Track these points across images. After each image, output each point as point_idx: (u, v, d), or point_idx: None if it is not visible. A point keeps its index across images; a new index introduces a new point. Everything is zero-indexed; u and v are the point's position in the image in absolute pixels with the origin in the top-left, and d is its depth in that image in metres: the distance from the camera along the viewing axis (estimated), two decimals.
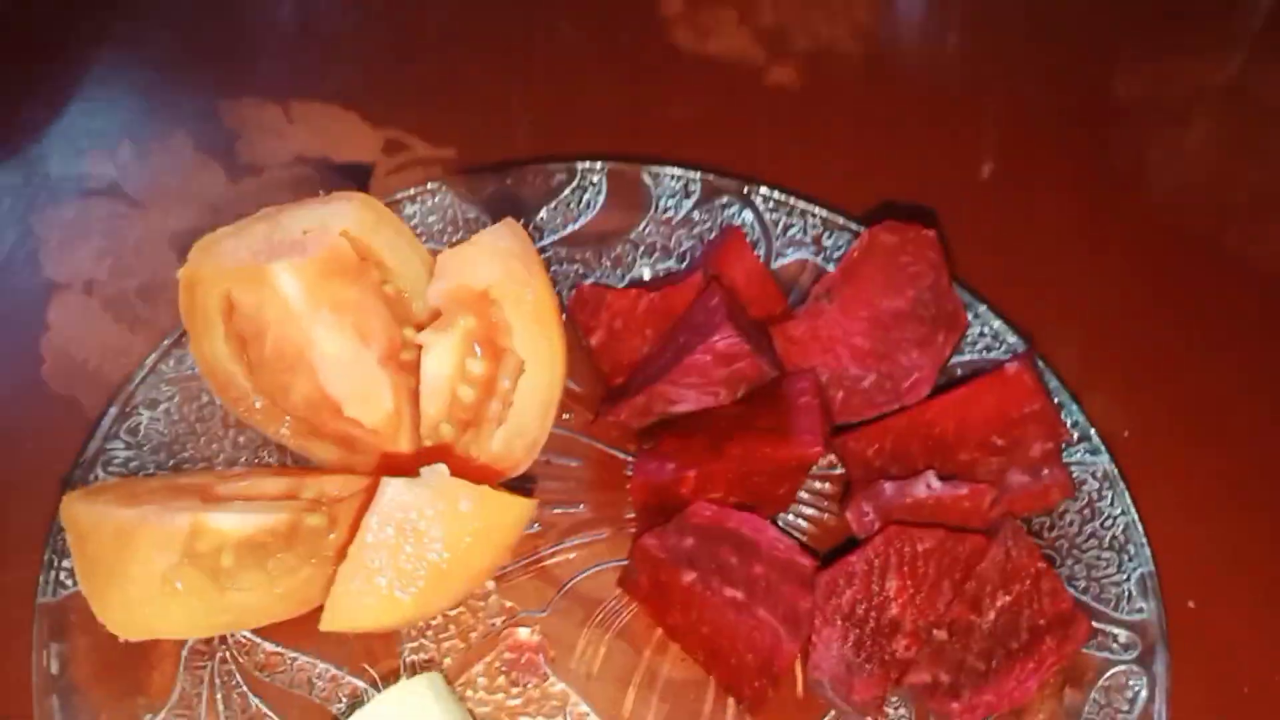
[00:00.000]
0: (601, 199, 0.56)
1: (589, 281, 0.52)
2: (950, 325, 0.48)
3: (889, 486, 0.45)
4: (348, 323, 0.44)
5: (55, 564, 0.42)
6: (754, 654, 0.42)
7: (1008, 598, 0.42)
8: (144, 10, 0.68)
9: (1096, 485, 0.47)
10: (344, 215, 0.43)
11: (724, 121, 0.65)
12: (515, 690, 0.43)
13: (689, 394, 0.46)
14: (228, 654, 0.43)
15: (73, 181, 0.59)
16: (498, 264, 0.41)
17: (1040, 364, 0.49)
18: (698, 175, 0.56)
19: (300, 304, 0.43)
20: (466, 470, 0.42)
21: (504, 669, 0.44)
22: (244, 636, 0.43)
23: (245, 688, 0.42)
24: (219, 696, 0.42)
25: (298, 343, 0.44)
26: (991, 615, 0.42)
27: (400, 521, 0.38)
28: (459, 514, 0.38)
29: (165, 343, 0.48)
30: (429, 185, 0.53)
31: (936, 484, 0.44)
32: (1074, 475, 0.47)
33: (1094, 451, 0.48)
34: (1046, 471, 0.45)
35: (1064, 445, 0.47)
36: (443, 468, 0.38)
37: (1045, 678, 0.42)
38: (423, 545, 0.37)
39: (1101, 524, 0.46)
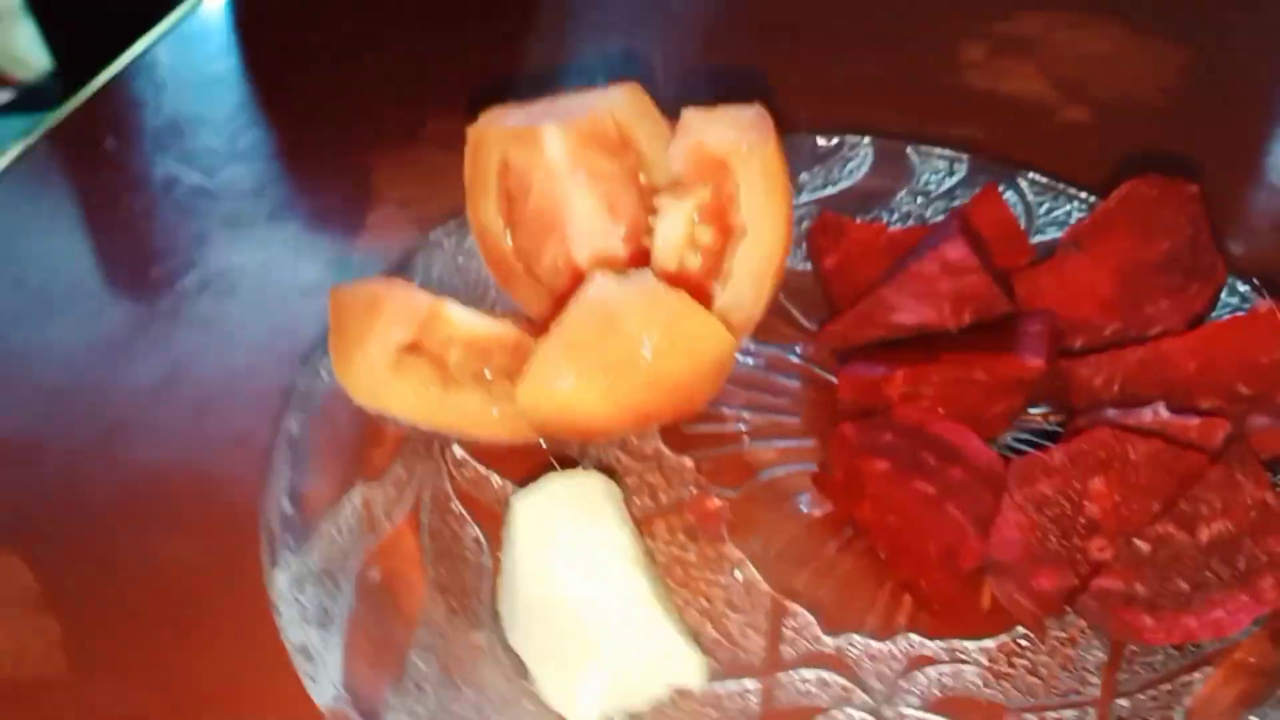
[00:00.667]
0: (864, 169, 0.57)
1: None
2: (1206, 277, 0.46)
3: (1113, 412, 0.42)
4: (600, 192, 0.48)
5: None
6: (937, 548, 0.41)
7: (1229, 524, 0.39)
8: None
9: None
10: (614, 99, 0.48)
11: (1008, 145, 0.65)
12: (692, 545, 0.44)
13: (910, 302, 0.46)
14: (442, 457, 0.46)
15: None
16: (734, 129, 0.44)
17: None
18: (965, 156, 0.57)
19: (561, 163, 0.47)
20: None
21: (684, 528, 0.44)
22: (459, 454, 0.46)
23: (449, 488, 0.45)
24: (425, 488, 0.45)
25: (556, 201, 0.48)
26: (1205, 537, 0.39)
27: (602, 314, 0.40)
28: (663, 316, 0.39)
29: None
30: None
31: (1165, 413, 0.42)
32: None
33: None
34: None
35: None
36: (648, 272, 0.41)
37: (1260, 617, 0.38)
38: (621, 337, 0.39)
39: None
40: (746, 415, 0.49)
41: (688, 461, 0.47)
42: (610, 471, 0.45)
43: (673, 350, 0.40)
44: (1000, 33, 0.75)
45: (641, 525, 0.44)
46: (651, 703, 0.38)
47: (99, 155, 0.68)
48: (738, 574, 0.43)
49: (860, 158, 0.58)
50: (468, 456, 0.47)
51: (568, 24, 0.78)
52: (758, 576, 0.43)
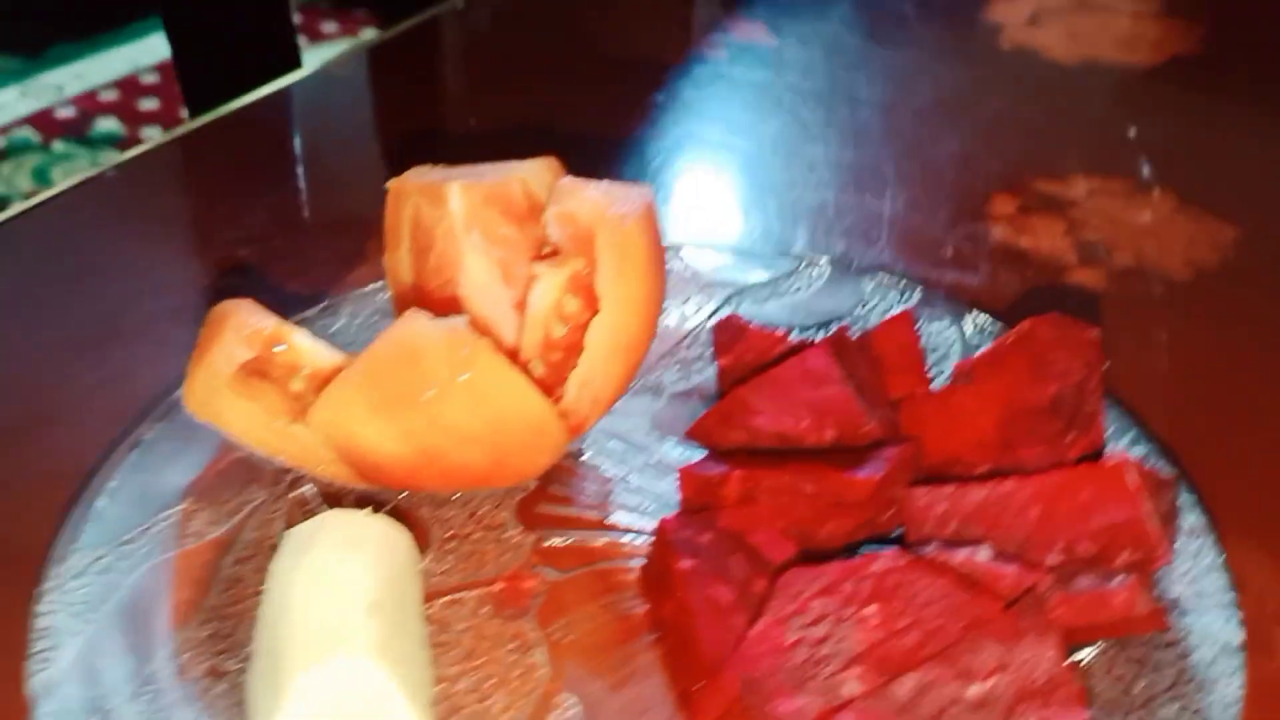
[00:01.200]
0: (817, 286, 0.56)
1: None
2: (1084, 427, 0.43)
3: (932, 547, 0.39)
4: (496, 256, 0.48)
5: None
6: (712, 658, 0.38)
7: (1004, 683, 0.35)
8: None
9: (1212, 654, 0.38)
10: (529, 169, 0.49)
11: (1000, 295, 0.63)
12: (495, 619, 0.43)
13: (769, 406, 0.45)
14: (287, 491, 0.47)
15: None
16: (603, 199, 0.44)
17: (1185, 494, 0.41)
18: (918, 287, 0.55)
19: (460, 220, 0.48)
20: None
21: (493, 600, 0.43)
22: (308, 493, 0.47)
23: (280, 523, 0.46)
24: (253, 516, 0.46)
25: (452, 260, 0.49)
26: (976, 694, 0.35)
27: (403, 347, 0.40)
28: (460, 358, 0.39)
29: None
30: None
31: (983, 556, 0.38)
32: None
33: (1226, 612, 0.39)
34: (1122, 578, 0.37)
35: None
36: (463, 317, 0.41)
37: None
38: (415, 371, 0.39)
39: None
40: (610, 504, 0.48)
41: (529, 538, 0.46)
42: (419, 525, 0.45)
43: (468, 396, 0.40)
44: (1041, 190, 0.73)
45: (452, 589, 0.44)
46: None
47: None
48: (534, 656, 0.42)
49: (818, 277, 0.57)
50: (316, 496, 0.47)
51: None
52: (543, 661, 0.41)
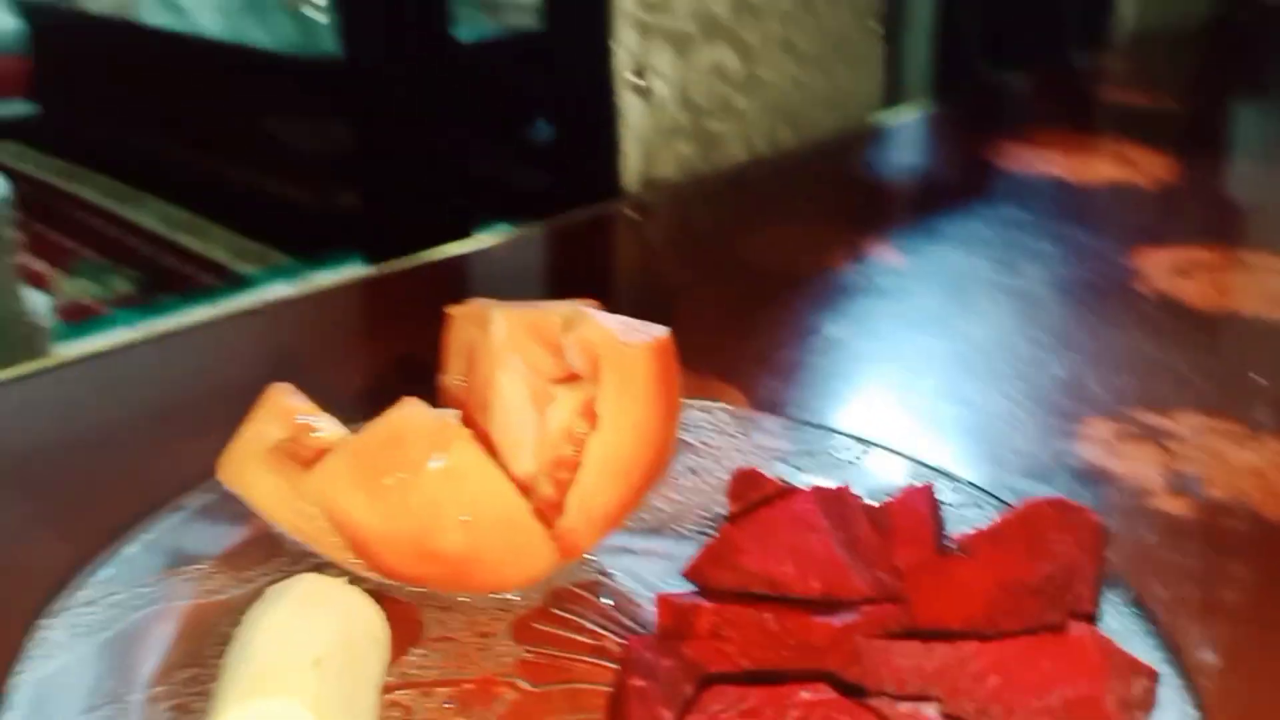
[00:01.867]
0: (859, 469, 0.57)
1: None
2: (1071, 609, 0.41)
3: (884, 698, 0.38)
4: (528, 382, 0.51)
5: None
6: None
7: None
8: None
9: None
10: (571, 305, 0.52)
11: None
12: (456, 714, 0.43)
13: (755, 547, 0.45)
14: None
15: None
16: (617, 327, 0.47)
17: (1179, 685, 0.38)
18: (965, 482, 0.54)
19: (498, 343, 0.51)
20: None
21: (459, 697, 0.44)
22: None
23: None
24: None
25: (489, 379, 0.52)
26: None
27: (394, 429, 0.43)
28: (444, 448, 0.42)
29: None
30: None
31: (931, 713, 0.37)
32: None
33: None
34: None
35: None
36: (456, 411, 0.43)
37: None
38: (400, 451, 0.42)
39: None
40: (607, 633, 0.48)
41: (516, 650, 0.47)
42: (417, 622, 0.47)
43: (448, 486, 0.42)
44: (1144, 421, 0.71)
45: (426, 682, 0.45)
46: None
47: None
48: None
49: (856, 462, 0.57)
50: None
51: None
52: None
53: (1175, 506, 0.62)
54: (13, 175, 1.76)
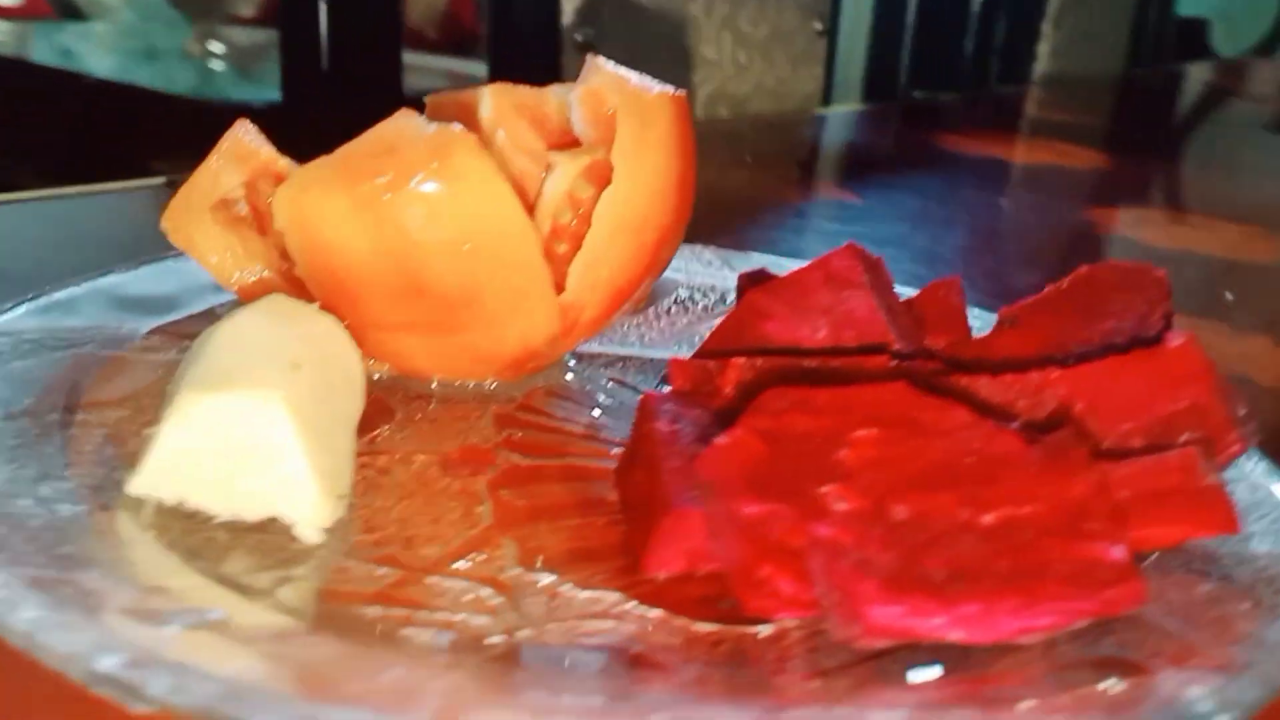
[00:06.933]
0: None
1: None
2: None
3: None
4: (516, 166, 0.45)
5: None
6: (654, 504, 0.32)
7: (1024, 513, 0.28)
8: None
9: None
10: (571, 89, 0.46)
11: None
12: (441, 475, 0.37)
13: (783, 310, 0.40)
14: None
15: None
16: (633, 77, 0.42)
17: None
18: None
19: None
20: None
21: (441, 461, 0.38)
22: None
23: None
24: None
25: None
26: (988, 521, 0.28)
27: (386, 138, 0.37)
28: (441, 154, 0.36)
29: None
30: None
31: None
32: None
33: None
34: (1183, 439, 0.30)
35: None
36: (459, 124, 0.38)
37: (1039, 632, 0.26)
38: (391, 160, 0.36)
39: None
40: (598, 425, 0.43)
41: (500, 433, 0.41)
42: (389, 409, 0.40)
43: (448, 197, 0.36)
44: None
45: (402, 450, 0.38)
46: (243, 514, 0.31)
47: None
48: (478, 508, 0.36)
49: None
50: None
51: None
52: (486, 514, 0.35)
53: None
54: None
